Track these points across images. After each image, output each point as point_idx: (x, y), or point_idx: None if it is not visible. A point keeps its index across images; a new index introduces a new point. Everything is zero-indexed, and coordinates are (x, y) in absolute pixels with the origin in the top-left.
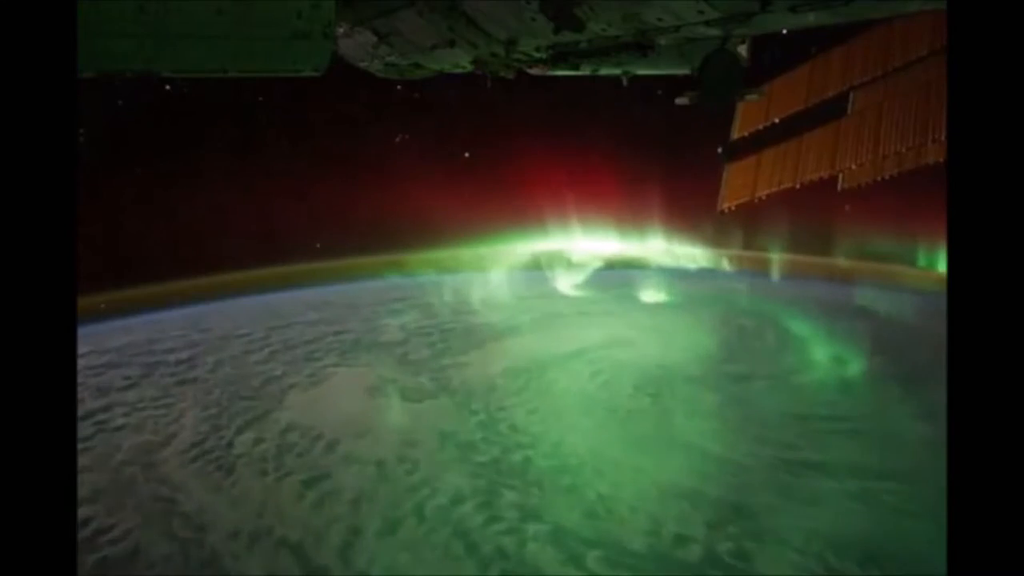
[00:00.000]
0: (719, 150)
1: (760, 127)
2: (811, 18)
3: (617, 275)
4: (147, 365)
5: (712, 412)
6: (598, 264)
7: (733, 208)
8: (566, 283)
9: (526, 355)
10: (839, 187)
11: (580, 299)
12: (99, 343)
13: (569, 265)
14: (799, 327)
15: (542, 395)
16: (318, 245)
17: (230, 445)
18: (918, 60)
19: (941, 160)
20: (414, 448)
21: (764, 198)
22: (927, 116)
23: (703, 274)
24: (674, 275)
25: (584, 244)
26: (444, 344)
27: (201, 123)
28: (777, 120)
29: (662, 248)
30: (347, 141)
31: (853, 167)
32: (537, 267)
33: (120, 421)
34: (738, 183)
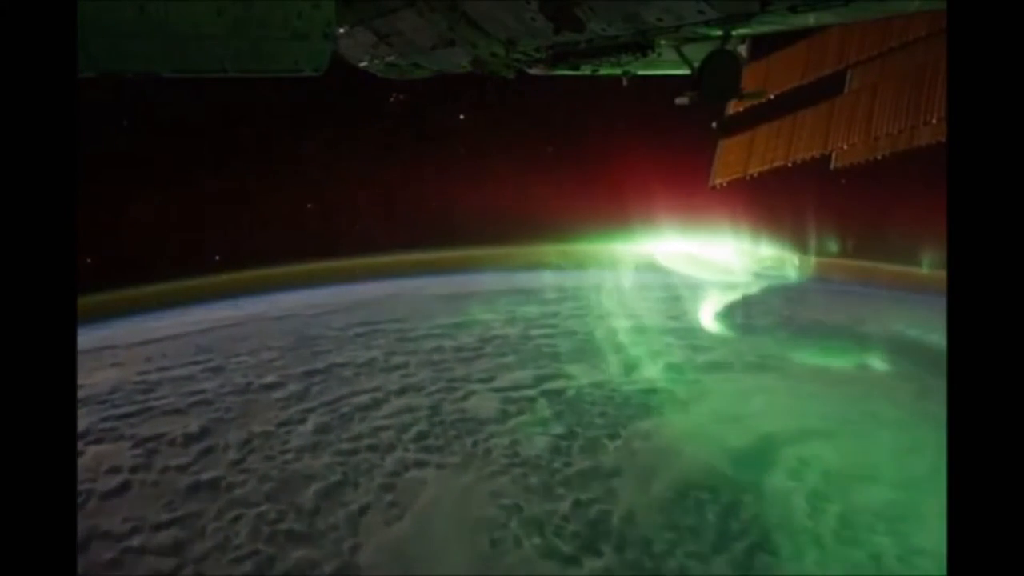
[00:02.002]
0: (713, 125)
1: (755, 103)
2: (811, 18)
3: (744, 295)
4: (141, 444)
5: None
6: (711, 276)
7: (724, 184)
8: (693, 306)
9: (691, 456)
10: (831, 166)
11: (713, 329)
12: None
13: (679, 274)
14: None
15: (762, 556)
16: (308, 205)
17: None
18: (916, 40)
19: (934, 142)
20: None
21: (756, 175)
22: (921, 97)
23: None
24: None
25: (690, 248)
26: (562, 425)
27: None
28: (772, 96)
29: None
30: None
31: (845, 147)
32: (639, 272)
33: None
34: (731, 159)
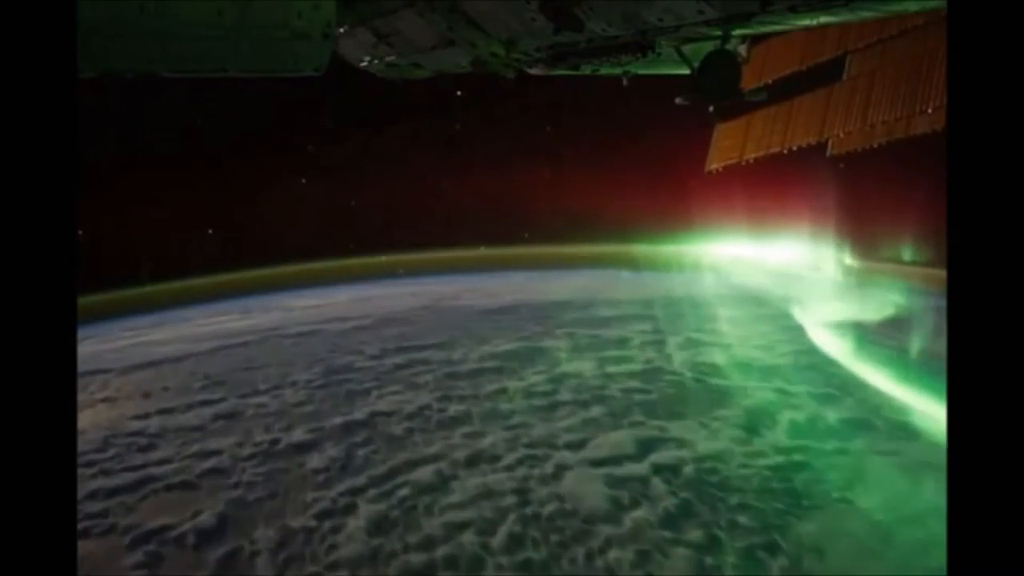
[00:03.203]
0: (710, 109)
1: (753, 87)
2: (811, 19)
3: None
4: (140, 544)
5: None
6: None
7: (720, 169)
8: (787, 329)
9: None
10: (828, 153)
11: (825, 365)
12: None
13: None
14: None
15: None
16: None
17: None
18: (914, 29)
19: (930, 131)
20: None
21: (752, 161)
22: (919, 86)
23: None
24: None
25: (760, 252)
26: (697, 526)
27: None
28: (770, 81)
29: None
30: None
31: (841, 134)
32: (706, 282)
33: None
34: (727, 144)
